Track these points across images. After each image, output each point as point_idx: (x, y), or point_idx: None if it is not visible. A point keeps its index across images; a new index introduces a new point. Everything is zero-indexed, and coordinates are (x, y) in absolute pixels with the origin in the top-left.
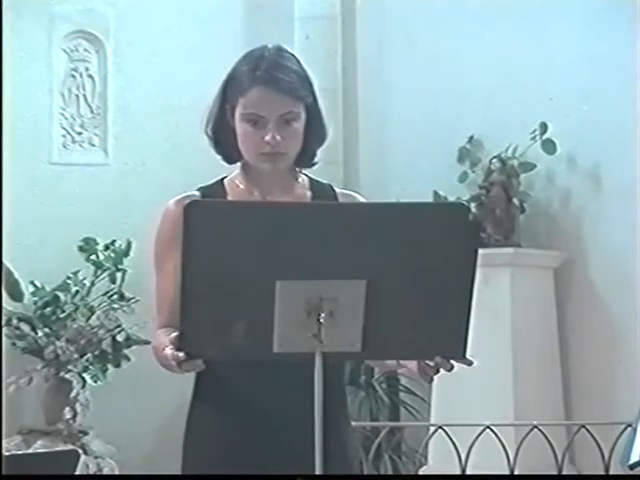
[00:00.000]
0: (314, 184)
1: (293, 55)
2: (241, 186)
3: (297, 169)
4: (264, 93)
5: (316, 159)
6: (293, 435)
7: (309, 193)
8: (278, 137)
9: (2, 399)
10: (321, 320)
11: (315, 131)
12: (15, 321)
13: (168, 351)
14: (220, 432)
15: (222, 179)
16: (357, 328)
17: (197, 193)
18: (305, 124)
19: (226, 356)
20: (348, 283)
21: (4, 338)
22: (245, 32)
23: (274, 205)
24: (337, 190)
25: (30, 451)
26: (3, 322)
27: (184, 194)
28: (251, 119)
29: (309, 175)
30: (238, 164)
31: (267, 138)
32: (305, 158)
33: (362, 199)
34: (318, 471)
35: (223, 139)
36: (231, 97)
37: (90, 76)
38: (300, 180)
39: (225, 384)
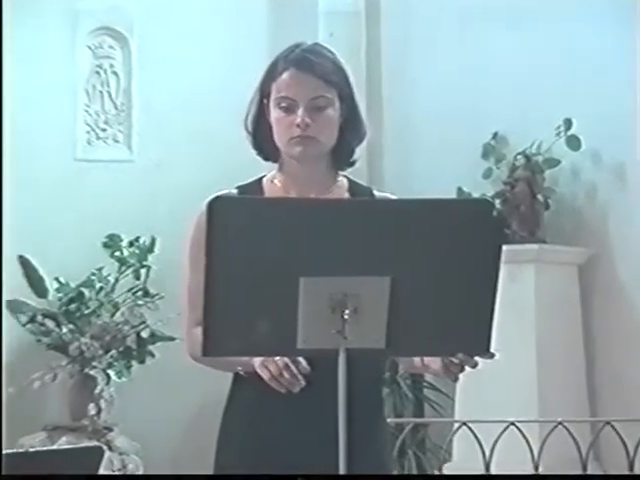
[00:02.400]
0: (353, 186)
1: (330, 49)
2: (279, 185)
3: (336, 170)
4: (295, 75)
5: (355, 157)
6: (328, 436)
7: (347, 195)
8: (308, 120)
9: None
10: (345, 316)
11: (352, 126)
12: (40, 317)
13: (280, 363)
14: (254, 432)
15: (260, 178)
16: (381, 324)
17: (234, 191)
18: (341, 117)
19: (250, 352)
20: (372, 279)
21: (28, 334)
22: (269, 28)
23: (298, 201)
24: (376, 193)
25: (54, 447)
26: (27, 318)
27: (220, 192)
28: (283, 103)
29: (349, 177)
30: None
31: (297, 121)
32: (342, 155)
33: None
34: (342, 470)
35: (260, 134)
36: (266, 85)
37: (114, 73)
38: (339, 181)
39: (261, 384)
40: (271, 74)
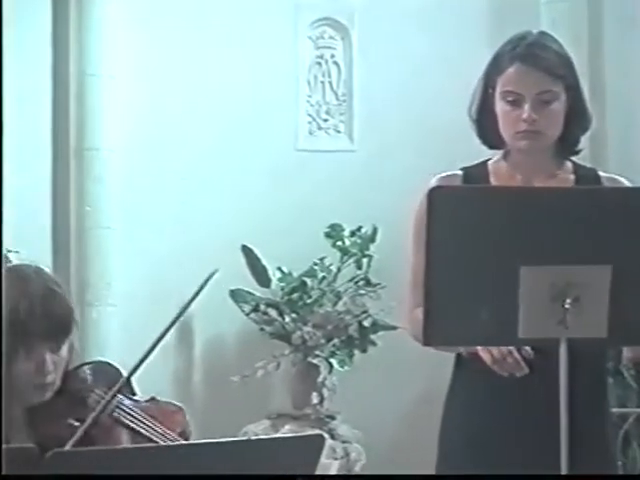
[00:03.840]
0: (578, 168)
1: (555, 39)
2: (504, 170)
3: (561, 158)
4: (521, 70)
5: (580, 146)
6: (550, 425)
7: (572, 177)
8: (534, 115)
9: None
10: (566, 306)
11: (577, 116)
12: (263, 307)
13: (504, 348)
14: (475, 421)
15: (486, 161)
16: (603, 314)
17: (460, 172)
18: (566, 107)
19: (471, 342)
20: (594, 268)
21: (252, 323)
22: (490, 17)
23: (517, 190)
24: (601, 174)
25: (278, 435)
26: (251, 308)
27: (446, 173)
28: (509, 97)
29: (573, 159)
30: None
31: (524, 116)
32: (567, 143)
33: (627, 183)
34: (564, 470)
35: (485, 122)
36: (491, 78)
37: (335, 63)
38: (564, 165)
39: (482, 367)
40: (496, 67)
